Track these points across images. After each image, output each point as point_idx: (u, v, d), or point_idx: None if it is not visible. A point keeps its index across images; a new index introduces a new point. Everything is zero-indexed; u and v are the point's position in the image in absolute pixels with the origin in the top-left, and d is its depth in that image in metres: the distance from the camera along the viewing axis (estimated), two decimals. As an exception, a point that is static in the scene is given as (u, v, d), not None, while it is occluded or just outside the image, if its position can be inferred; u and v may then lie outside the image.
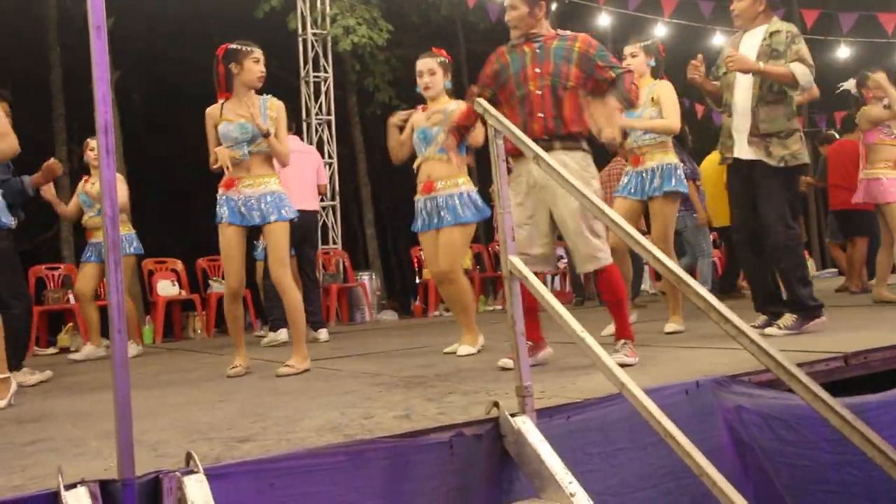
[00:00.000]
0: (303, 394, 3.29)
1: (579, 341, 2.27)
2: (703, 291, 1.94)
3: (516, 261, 2.51)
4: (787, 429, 2.85)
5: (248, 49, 4.12)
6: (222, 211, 4.08)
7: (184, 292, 8.26)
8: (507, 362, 3.48)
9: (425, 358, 4.37)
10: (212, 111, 4.17)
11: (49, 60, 11.90)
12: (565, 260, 10.53)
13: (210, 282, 8.49)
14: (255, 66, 4.10)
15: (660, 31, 9.69)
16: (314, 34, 10.36)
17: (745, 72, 4.17)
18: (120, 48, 11.43)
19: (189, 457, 1.93)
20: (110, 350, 1.83)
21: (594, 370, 3.34)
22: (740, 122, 4.26)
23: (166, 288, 8.08)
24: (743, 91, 4.26)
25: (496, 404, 2.43)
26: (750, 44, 4.27)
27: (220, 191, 4.14)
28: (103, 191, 1.82)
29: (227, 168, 4.03)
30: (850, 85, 6.14)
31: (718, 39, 10.11)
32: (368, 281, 9.43)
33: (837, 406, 1.66)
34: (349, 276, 9.40)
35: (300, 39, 10.39)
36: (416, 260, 10.27)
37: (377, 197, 14.34)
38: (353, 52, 11.07)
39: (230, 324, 4.20)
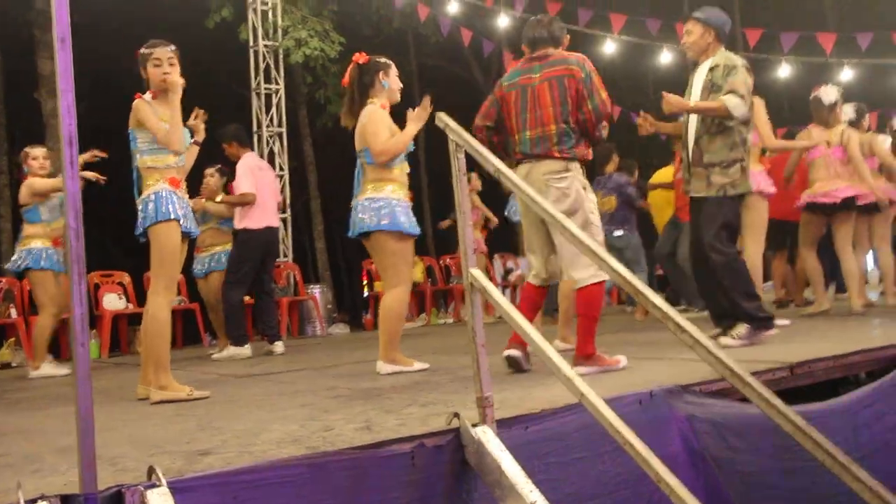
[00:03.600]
0: (260, 407, 3.27)
1: (539, 352, 2.31)
2: (661, 302, 2.00)
3: (477, 273, 2.55)
4: (737, 436, 2.94)
5: (148, 51, 3.84)
6: (173, 208, 3.74)
7: (131, 306, 8.11)
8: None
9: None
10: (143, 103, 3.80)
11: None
12: (518, 272, 10.63)
13: (158, 295, 8.34)
14: (155, 69, 3.80)
15: (609, 48, 9.88)
16: (265, 45, 10.31)
17: (680, 112, 4.38)
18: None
19: (151, 470, 1.91)
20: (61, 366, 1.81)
21: (550, 381, 3.41)
22: (689, 155, 4.45)
23: (113, 301, 7.92)
24: (691, 125, 4.46)
25: (456, 415, 2.46)
26: (699, 77, 4.48)
27: (165, 185, 3.77)
28: (67, 203, 1.81)
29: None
30: (849, 111, 6.37)
31: (666, 57, 10.35)
32: (320, 294, 9.38)
33: (790, 413, 1.73)
34: (300, 290, 9.34)
35: (251, 51, 10.32)
36: (365, 273, 10.25)
37: (326, 210, 14.29)
38: (304, 65, 11.04)
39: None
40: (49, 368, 5.68)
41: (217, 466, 2.10)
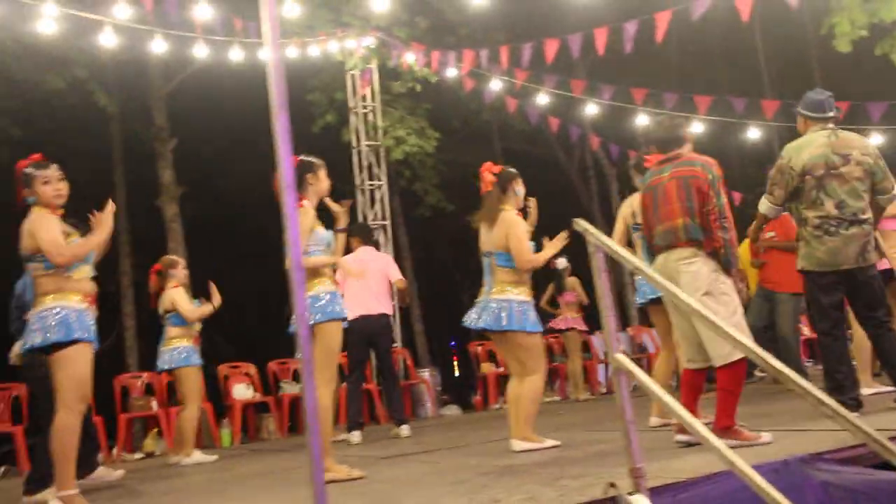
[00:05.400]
0: (420, 486, 3.63)
1: (688, 425, 2.62)
2: (801, 379, 2.30)
3: (621, 357, 2.89)
4: (871, 501, 3.13)
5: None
6: (340, 308, 4.24)
7: (258, 395, 8.66)
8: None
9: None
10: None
11: (113, 180, 12.68)
12: (621, 348, 10.80)
13: (281, 384, 8.88)
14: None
15: (696, 128, 10.19)
16: (367, 145, 11.04)
17: None
18: (182, 164, 12.24)
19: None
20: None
21: (678, 452, 3.69)
22: None
23: (241, 391, 8.48)
24: None
25: (612, 485, 2.77)
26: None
27: (332, 286, 4.28)
28: (292, 266, 2.24)
29: None
30: None
31: (753, 133, 10.57)
32: (430, 377, 9.76)
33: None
34: (411, 374, 9.75)
35: (355, 151, 11.07)
36: (473, 354, 10.61)
37: (423, 295, 14.83)
38: (402, 160, 11.73)
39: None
40: (199, 456, 6.20)
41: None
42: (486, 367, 10.25)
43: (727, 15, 7.29)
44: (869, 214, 4.54)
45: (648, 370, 11.27)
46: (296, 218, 2.35)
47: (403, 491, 3.49)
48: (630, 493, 2.74)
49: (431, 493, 3.31)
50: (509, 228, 4.66)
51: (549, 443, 4.53)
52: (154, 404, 8.20)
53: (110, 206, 4.10)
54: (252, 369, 8.93)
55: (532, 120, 12.07)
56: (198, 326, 6.54)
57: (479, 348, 10.51)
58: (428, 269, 16.06)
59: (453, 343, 22.10)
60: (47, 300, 3.76)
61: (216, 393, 8.79)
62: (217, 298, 6.41)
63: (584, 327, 9.55)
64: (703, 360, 4.08)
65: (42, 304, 3.76)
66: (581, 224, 3.10)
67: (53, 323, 3.69)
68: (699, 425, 2.60)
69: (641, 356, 11.62)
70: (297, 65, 10.35)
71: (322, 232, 4.33)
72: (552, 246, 4.77)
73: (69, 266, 3.81)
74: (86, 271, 3.91)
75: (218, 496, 4.17)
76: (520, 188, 4.85)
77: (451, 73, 10.70)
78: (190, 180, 12.30)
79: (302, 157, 4.46)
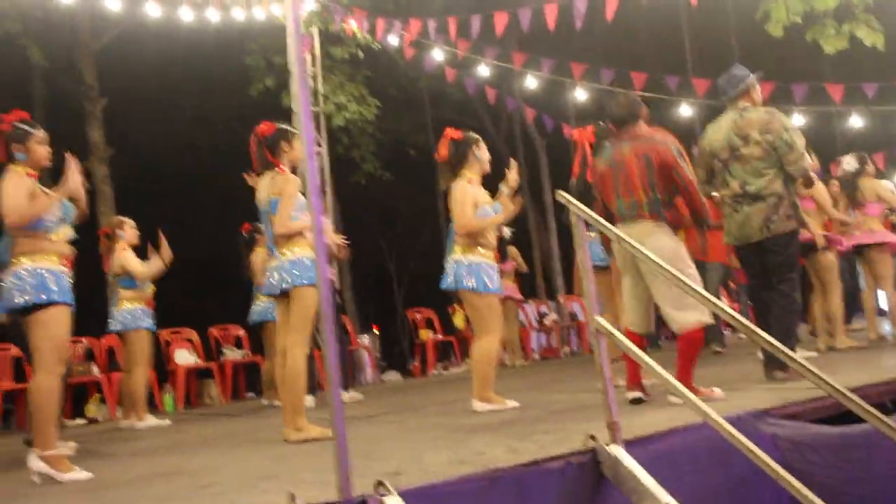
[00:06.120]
0: (399, 440, 3.81)
1: (664, 381, 2.88)
2: (769, 337, 2.57)
3: (601, 320, 3.12)
4: (813, 452, 3.48)
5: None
6: (315, 274, 4.20)
7: (200, 361, 8.66)
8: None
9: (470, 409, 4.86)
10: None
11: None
12: (552, 317, 11.21)
13: (223, 349, 8.89)
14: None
15: (797, 120, 10.21)
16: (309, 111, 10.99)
17: None
18: (115, 124, 11.94)
19: (379, 483, 2.45)
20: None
21: (643, 409, 3.98)
22: None
23: (184, 357, 8.47)
24: None
25: (592, 437, 3.01)
26: None
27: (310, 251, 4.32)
28: (317, 253, 2.38)
29: None
30: (851, 162, 6.95)
31: (856, 121, 10.81)
32: (370, 343, 9.92)
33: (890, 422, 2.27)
34: (352, 340, 9.88)
35: (294, 116, 11.01)
36: (411, 321, 10.81)
37: (355, 263, 14.92)
38: (342, 127, 11.74)
39: None
40: (153, 420, 6.22)
41: (417, 482, 2.63)
42: (425, 334, 10.48)
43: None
44: (775, 188, 4.70)
45: (579, 337, 11.74)
46: (320, 204, 2.46)
47: (385, 446, 3.65)
48: (608, 444, 2.98)
49: (414, 449, 3.48)
50: (453, 193, 4.82)
51: (511, 404, 4.75)
52: (95, 369, 8.11)
53: (73, 164, 4.05)
54: (194, 335, 8.90)
55: (470, 90, 12.23)
56: (151, 288, 6.50)
57: (418, 315, 10.72)
58: (358, 237, 16.09)
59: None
60: (24, 260, 3.74)
61: (158, 359, 8.73)
62: (167, 250, 6.37)
63: (519, 296, 9.84)
64: (646, 327, 4.47)
65: (19, 265, 3.74)
66: (562, 195, 3.30)
67: (32, 284, 3.68)
68: (675, 381, 2.85)
69: (572, 324, 12.06)
70: (236, 26, 10.22)
71: (303, 199, 4.40)
72: (506, 212, 4.94)
73: (26, 226, 3.76)
74: (65, 233, 3.90)
75: (190, 455, 4.25)
76: (481, 153, 4.94)
77: (394, 40, 10.74)
78: (119, 141, 12.02)
79: (278, 125, 4.52)
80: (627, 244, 3.07)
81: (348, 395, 6.74)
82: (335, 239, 7.14)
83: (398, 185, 15.70)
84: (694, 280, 4.16)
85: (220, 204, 14.37)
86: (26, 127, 3.94)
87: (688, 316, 4.12)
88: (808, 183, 5.58)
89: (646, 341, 4.57)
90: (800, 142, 4.71)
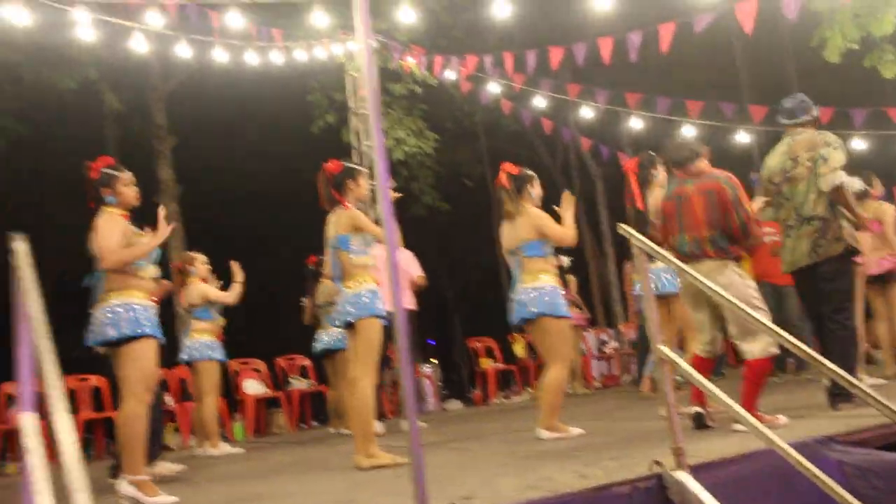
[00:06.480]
0: (466, 468, 3.92)
1: (729, 408, 2.96)
2: (833, 366, 2.64)
3: (665, 348, 3.22)
4: (880, 479, 3.50)
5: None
6: (381, 306, 4.50)
7: (268, 390, 8.91)
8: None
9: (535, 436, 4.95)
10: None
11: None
12: (613, 344, 11.21)
13: (290, 379, 9.14)
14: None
15: (688, 131, 10.57)
16: (368, 146, 11.29)
17: None
18: (183, 162, 12.41)
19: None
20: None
21: (708, 436, 4.03)
22: None
23: (253, 386, 8.72)
24: None
25: (658, 462, 3.10)
26: None
27: (374, 285, 4.52)
28: (392, 281, 2.54)
29: None
30: (858, 183, 6.90)
31: (742, 137, 10.96)
32: (432, 372, 10.06)
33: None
34: (415, 369, 10.05)
35: (355, 151, 11.32)
36: (472, 350, 10.93)
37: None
38: (401, 161, 12.02)
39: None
40: (227, 447, 6.45)
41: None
42: (485, 363, 10.59)
43: (723, 25, 7.65)
44: (820, 210, 4.68)
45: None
46: (394, 229, 2.64)
47: (455, 472, 3.77)
48: (674, 470, 3.06)
49: (484, 475, 3.59)
50: (538, 219, 4.95)
51: (575, 431, 4.84)
52: (168, 399, 8.41)
53: (163, 211, 4.35)
54: (261, 365, 9.17)
55: (525, 122, 12.40)
56: (222, 321, 6.77)
57: (479, 344, 10.84)
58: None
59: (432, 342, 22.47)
60: (115, 296, 4.00)
61: (227, 388, 9.02)
62: (241, 275, 6.66)
63: (584, 323, 9.91)
64: (716, 351, 4.54)
65: (109, 300, 4.00)
66: (624, 228, 3.42)
67: (124, 318, 3.93)
68: (739, 408, 2.93)
69: (633, 351, 12.01)
70: (299, 67, 10.58)
71: (367, 235, 4.58)
72: (567, 211, 5.03)
73: (117, 269, 4.04)
74: (152, 271, 4.16)
75: (267, 482, 4.44)
76: (535, 190, 5.10)
77: (450, 75, 10.99)
78: (188, 179, 12.49)
79: (344, 164, 4.73)
80: (694, 279, 3.17)
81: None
82: (414, 272, 7.35)
83: (454, 214, 15.94)
84: (761, 313, 4.23)
85: (285, 237, 14.81)
86: (112, 171, 4.25)
87: (756, 345, 4.20)
88: (839, 199, 5.49)
89: (712, 365, 4.63)
90: (836, 157, 4.66)
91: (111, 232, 4.03)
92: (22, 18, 6.48)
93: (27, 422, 2.14)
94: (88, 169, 4.24)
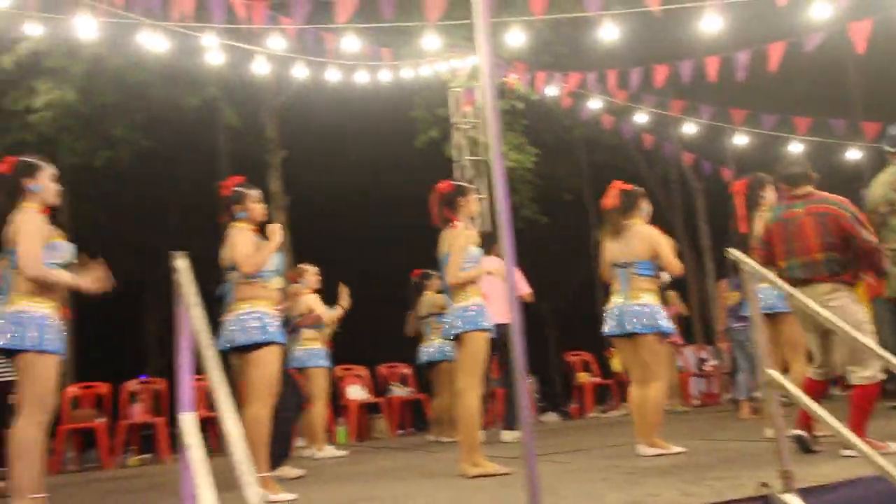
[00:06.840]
0: (569, 482, 4.04)
1: (838, 433, 3.00)
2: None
3: (773, 372, 3.28)
4: None
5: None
6: (483, 320, 4.68)
7: (370, 396, 9.23)
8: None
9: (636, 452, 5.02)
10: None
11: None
12: (713, 362, 11.06)
13: (390, 386, 9.43)
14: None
15: (796, 148, 10.35)
16: (470, 160, 11.52)
17: None
18: (292, 175, 12.93)
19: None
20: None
21: (815, 460, 4.03)
22: None
23: (356, 392, 9.05)
24: None
25: (765, 484, 3.15)
26: None
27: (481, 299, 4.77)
28: (508, 288, 2.70)
29: None
30: None
31: (853, 155, 10.64)
32: (530, 384, 10.18)
33: None
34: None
35: (457, 165, 11.57)
36: (569, 364, 10.99)
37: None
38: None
39: None
40: (332, 450, 6.76)
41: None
42: (583, 377, 10.63)
43: (834, 42, 7.52)
44: None
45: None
46: (513, 255, 2.81)
47: (559, 484, 3.90)
48: (781, 493, 3.11)
49: (585, 488, 3.72)
50: (656, 239, 5.06)
51: (676, 449, 4.89)
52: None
53: (278, 228, 4.66)
54: (364, 372, 9.49)
55: (626, 136, 12.40)
56: (328, 330, 7.10)
57: (576, 358, 10.89)
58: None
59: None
60: (245, 305, 4.32)
61: (331, 393, 9.38)
62: (346, 300, 6.98)
63: (680, 341, 9.84)
64: (828, 374, 4.52)
65: (240, 309, 4.32)
66: (733, 253, 3.49)
67: (253, 326, 4.24)
68: (853, 436, 2.96)
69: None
70: (404, 83, 10.91)
71: (474, 250, 4.78)
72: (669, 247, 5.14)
73: (254, 275, 4.36)
74: (277, 282, 4.47)
75: (377, 485, 4.67)
76: (646, 206, 5.23)
77: (552, 91, 11.11)
78: (296, 190, 13.01)
79: (455, 183, 4.94)
80: (803, 303, 3.22)
81: (511, 436, 7.01)
82: (523, 288, 7.52)
83: (551, 227, 15.99)
84: (872, 338, 4.20)
85: (390, 249, 15.22)
86: (243, 189, 4.59)
87: (865, 371, 4.18)
88: None
89: (824, 387, 4.61)
90: None
91: (245, 244, 4.37)
92: (157, 44, 6.99)
93: (187, 420, 2.41)
94: (221, 187, 4.59)
